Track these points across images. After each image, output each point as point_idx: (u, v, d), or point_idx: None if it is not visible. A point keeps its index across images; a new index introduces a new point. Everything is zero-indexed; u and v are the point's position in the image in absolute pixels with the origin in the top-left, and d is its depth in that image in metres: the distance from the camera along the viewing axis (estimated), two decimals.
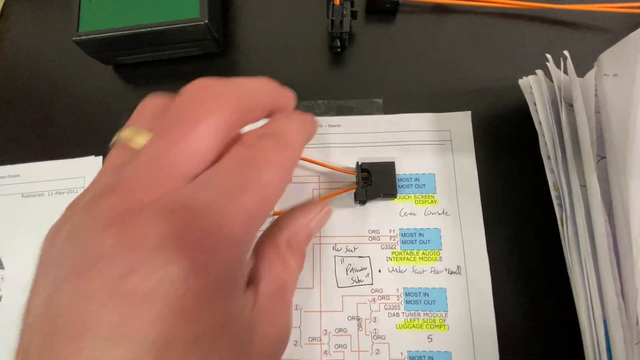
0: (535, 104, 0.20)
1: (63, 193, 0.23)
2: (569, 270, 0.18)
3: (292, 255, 0.13)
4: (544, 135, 0.19)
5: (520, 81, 0.21)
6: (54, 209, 0.23)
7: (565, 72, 0.19)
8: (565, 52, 0.19)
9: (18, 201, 0.23)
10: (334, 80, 0.25)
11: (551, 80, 0.20)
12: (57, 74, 0.26)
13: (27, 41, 0.27)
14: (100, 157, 0.23)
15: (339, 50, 0.24)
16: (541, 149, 0.20)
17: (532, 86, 0.20)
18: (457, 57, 0.24)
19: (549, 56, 0.20)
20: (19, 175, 0.23)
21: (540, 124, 0.19)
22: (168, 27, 0.21)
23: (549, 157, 0.19)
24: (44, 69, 0.26)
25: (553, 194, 0.19)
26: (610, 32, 0.24)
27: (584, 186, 0.19)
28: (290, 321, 0.12)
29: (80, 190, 0.23)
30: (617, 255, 0.17)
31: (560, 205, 0.19)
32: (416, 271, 0.21)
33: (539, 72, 0.20)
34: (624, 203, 0.17)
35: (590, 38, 0.24)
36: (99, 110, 0.25)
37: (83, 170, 0.23)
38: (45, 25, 0.27)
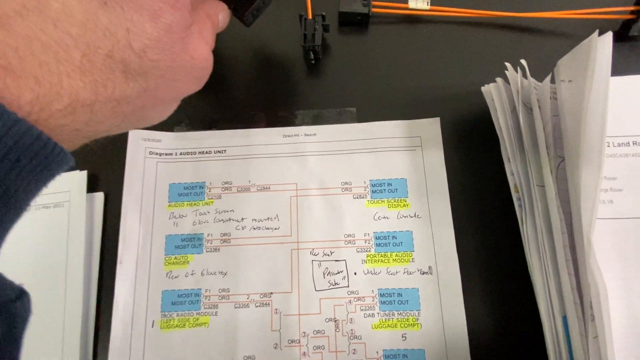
0: (496, 110, 0.21)
1: (49, 207, 0.24)
2: (529, 268, 0.19)
3: (209, 18, 0.17)
4: (504, 139, 0.20)
5: (482, 88, 0.22)
6: (41, 223, 0.24)
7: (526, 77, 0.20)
8: (522, 61, 0.20)
9: None
10: (309, 90, 0.26)
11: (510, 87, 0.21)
12: None
13: None
14: (85, 172, 0.24)
15: (313, 62, 0.25)
16: (502, 153, 0.21)
17: (492, 93, 0.21)
18: (426, 66, 0.25)
19: (507, 64, 0.21)
20: None
21: (501, 129, 0.20)
22: None
23: (509, 160, 0.20)
24: None
25: (514, 195, 0.20)
26: (572, 37, 0.26)
27: (542, 186, 0.20)
28: (210, 56, 0.16)
29: (66, 204, 0.24)
30: (574, 251, 0.18)
31: (520, 205, 0.20)
32: (390, 272, 0.22)
33: (499, 79, 0.21)
34: (577, 201, 0.18)
35: (552, 44, 0.26)
36: None
37: (69, 184, 0.24)
38: None
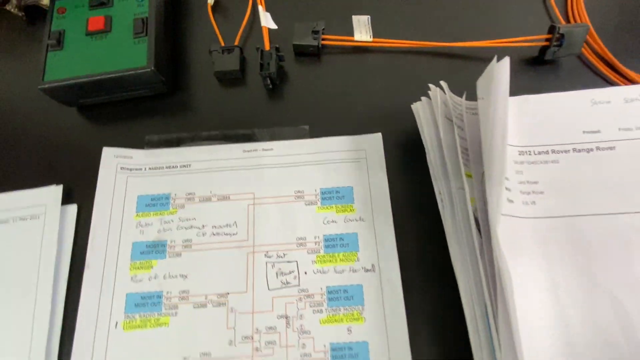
0: (422, 123, 0.24)
1: (26, 219, 0.26)
2: (453, 263, 0.21)
3: None
4: (428, 149, 0.23)
5: (412, 106, 0.25)
6: (17, 233, 0.26)
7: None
8: (442, 82, 0.24)
9: None
10: (267, 111, 0.29)
11: (444, 102, 0.24)
12: (24, 116, 0.29)
13: (3, 85, 0.30)
14: (61, 186, 0.26)
15: (270, 87, 0.29)
16: (428, 162, 0.24)
17: (419, 109, 0.24)
18: (370, 89, 0.29)
19: (430, 85, 0.24)
20: None
21: (426, 140, 0.23)
22: (121, 74, 0.26)
23: (433, 167, 0.23)
24: (10, 112, 0.29)
25: (438, 197, 0.23)
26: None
27: (462, 189, 0.23)
28: None
29: (42, 216, 0.26)
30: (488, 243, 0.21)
31: (443, 207, 0.22)
32: (337, 271, 0.24)
33: (424, 98, 0.24)
34: (486, 201, 0.20)
35: (480, 68, 0.29)
36: (65, 145, 0.28)
37: (46, 197, 0.26)
38: (11, 76, 0.31)
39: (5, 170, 0.27)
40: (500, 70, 0.21)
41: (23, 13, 0.32)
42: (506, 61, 0.22)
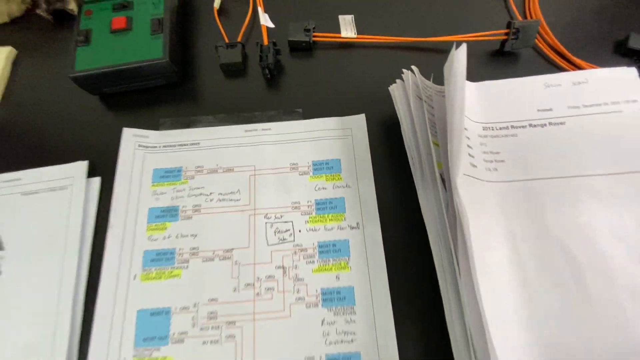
0: (397, 101, 0.28)
1: (56, 190, 0.29)
2: (423, 216, 0.25)
3: None
4: (402, 123, 0.27)
5: (389, 88, 0.29)
6: (48, 202, 0.29)
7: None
8: (413, 67, 0.28)
9: (18, 198, 0.29)
10: (267, 98, 0.33)
11: (415, 84, 0.28)
12: (53, 104, 0.33)
13: (33, 81, 0.35)
14: (87, 162, 0.30)
15: (268, 76, 0.33)
16: (403, 134, 0.28)
17: (395, 90, 0.28)
18: (355, 77, 0.33)
19: (403, 69, 0.28)
20: (20, 179, 0.30)
21: (400, 115, 0.27)
22: (140, 64, 0.30)
23: (406, 137, 0.27)
24: (41, 101, 0.34)
25: (410, 163, 0.27)
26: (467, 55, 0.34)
27: (431, 155, 0.27)
28: None
29: (70, 187, 0.30)
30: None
31: (414, 171, 0.26)
32: (327, 229, 0.28)
33: (399, 81, 0.29)
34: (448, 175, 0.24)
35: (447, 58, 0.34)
36: (88, 127, 0.32)
37: (73, 171, 0.30)
38: (42, 70, 0.35)
39: (38, 149, 0.31)
40: (459, 54, 0.26)
41: (51, 16, 0.36)
42: (463, 47, 0.26)
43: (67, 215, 0.29)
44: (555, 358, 0.23)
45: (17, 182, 0.30)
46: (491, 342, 0.20)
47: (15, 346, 0.25)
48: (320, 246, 0.27)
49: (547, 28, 0.34)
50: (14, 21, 0.37)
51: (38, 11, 0.36)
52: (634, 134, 0.29)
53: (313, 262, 0.27)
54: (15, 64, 0.35)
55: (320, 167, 0.30)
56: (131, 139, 0.31)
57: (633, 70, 0.30)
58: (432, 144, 0.26)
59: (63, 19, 0.37)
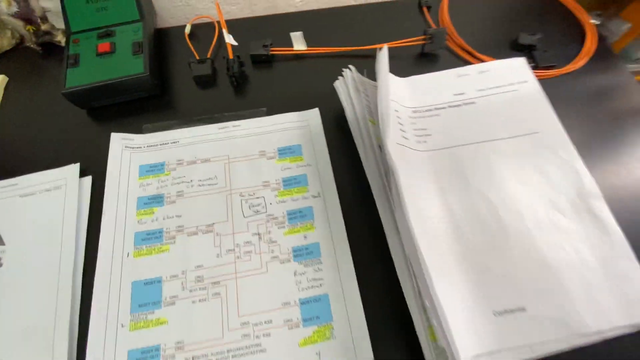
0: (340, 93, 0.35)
1: (50, 190, 0.33)
2: (368, 178, 0.31)
3: None
4: (346, 109, 0.34)
5: (334, 84, 0.36)
6: (44, 202, 0.33)
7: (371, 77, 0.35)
8: (350, 66, 0.35)
9: (17, 200, 0.33)
10: (234, 102, 0.39)
11: (353, 78, 0.35)
12: (47, 119, 0.38)
13: (25, 102, 0.39)
14: (78, 164, 0.34)
15: (235, 84, 0.39)
16: (347, 118, 0.34)
17: (338, 85, 0.35)
18: (308, 81, 0.40)
19: (344, 69, 0.36)
20: (17, 184, 0.33)
21: (343, 103, 0.34)
22: (125, 79, 0.35)
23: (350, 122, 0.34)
24: (35, 117, 0.38)
25: (355, 140, 0.33)
26: (397, 57, 0.42)
27: (368, 131, 0.33)
28: None
29: (63, 187, 0.33)
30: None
31: (358, 143, 0.33)
32: (293, 200, 0.33)
33: (341, 77, 0.36)
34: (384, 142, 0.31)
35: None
36: (78, 137, 0.37)
37: (66, 173, 0.34)
38: (33, 92, 0.39)
39: (32, 159, 0.35)
40: (382, 54, 0.33)
41: (40, 48, 0.41)
42: (385, 49, 0.33)
43: (63, 210, 0.32)
44: (480, 275, 0.29)
45: (15, 187, 0.33)
46: (426, 268, 0.25)
47: (17, 329, 0.28)
48: (288, 214, 0.32)
49: (455, 33, 0.43)
50: (5, 54, 0.42)
51: (28, 44, 0.41)
52: (526, 105, 0.37)
53: (283, 226, 0.32)
54: (7, 88, 0.40)
55: (285, 152, 0.36)
56: (119, 141, 0.35)
57: (522, 59, 0.39)
58: (369, 122, 0.33)
59: (51, 50, 0.42)
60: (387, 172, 0.31)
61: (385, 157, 0.30)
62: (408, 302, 0.28)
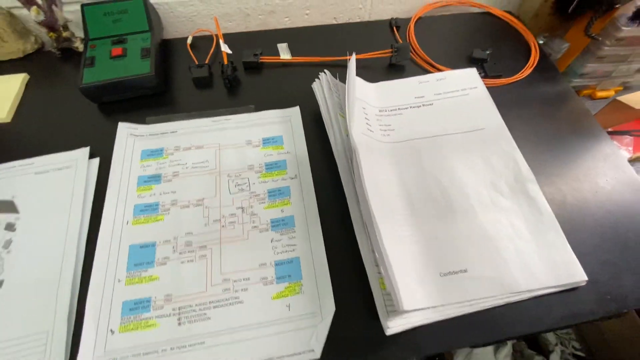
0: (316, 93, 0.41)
1: (62, 169, 0.38)
2: (336, 161, 0.37)
3: None
4: (321, 106, 0.40)
5: (312, 85, 0.43)
6: (56, 179, 0.38)
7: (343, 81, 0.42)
8: (326, 70, 0.42)
9: (32, 177, 0.37)
10: (227, 101, 0.45)
11: (327, 81, 0.42)
12: (62, 112, 0.43)
13: (44, 98, 0.44)
14: (88, 147, 0.39)
15: (229, 86, 0.45)
16: (322, 113, 0.40)
17: (315, 86, 0.41)
18: (292, 85, 0.46)
19: (320, 73, 0.42)
20: (33, 163, 0.38)
21: (318, 102, 0.40)
22: (133, 77, 0.41)
23: (324, 114, 0.40)
24: (53, 110, 0.43)
25: (328, 131, 0.39)
26: (369, 67, 0.49)
27: (339, 123, 0.39)
28: None
29: (73, 166, 0.38)
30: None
31: (329, 132, 0.39)
32: (274, 180, 0.38)
33: (317, 80, 0.42)
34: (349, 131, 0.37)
35: (359, 71, 0.48)
36: (89, 127, 0.42)
37: (77, 155, 0.39)
38: (52, 90, 0.45)
39: (48, 144, 0.40)
40: (351, 61, 0.40)
41: (60, 52, 0.48)
42: (353, 56, 0.40)
43: (72, 186, 0.37)
44: (429, 242, 0.34)
45: (31, 166, 0.38)
46: (377, 224, 0.30)
47: (26, 282, 0.32)
48: (269, 192, 0.37)
49: (420, 49, 0.50)
50: (27, 56, 0.48)
51: (49, 48, 0.47)
52: (475, 106, 0.43)
53: (264, 202, 0.37)
54: (28, 85, 0.46)
55: (268, 141, 0.41)
56: (125, 130, 0.41)
57: (474, 69, 0.46)
58: (339, 116, 0.39)
59: (69, 55, 0.48)
60: (351, 154, 0.36)
61: (350, 141, 0.36)
62: (364, 259, 0.32)
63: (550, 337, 0.79)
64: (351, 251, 0.34)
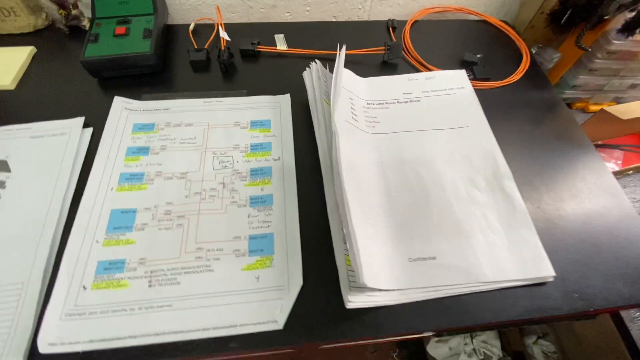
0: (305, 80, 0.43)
1: (57, 135, 0.40)
2: (318, 146, 0.38)
3: None
4: (309, 93, 0.41)
5: (303, 74, 0.44)
6: (50, 144, 0.40)
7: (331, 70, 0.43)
8: (317, 60, 0.43)
9: (27, 140, 0.39)
10: (222, 85, 0.47)
11: (317, 70, 0.43)
12: (64, 84, 0.45)
13: (48, 69, 0.47)
14: (83, 117, 0.41)
15: (224, 70, 0.47)
16: (309, 100, 0.41)
17: (306, 75, 0.43)
18: (285, 73, 0.48)
19: (311, 62, 0.43)
20: (30, 128, 0.40)
21: (306, 89, 0.41)
22: (134, 54, 0.43)
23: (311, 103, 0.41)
24: (55, 81, 0.45)
25: (313, 118, 0.40)
26: (361, 63, 0.50)
27: (323, 110, 0.40)
28: None
29: (67, 133, 0.40)
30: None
31: (315, 120, 0.40)
32: (257, 161, 0.39)
33: (308, 69, 0.43)
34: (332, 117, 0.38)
35: (351, 66, 0.50)
36: (87, 99, 0.44)
37: (71, 124, 0.40)
38: (57, 64, 0.47)
39: (47, 112, 0.42)
40: (341, 52, 0.41)
41: (68, 29, 0.50)
42: (343, 48, 0.41)
43: (64, 152, 0.39)
44: (401, 228, 0.34)
45: (28, 130, 0.40)
46: (347, 202, 0.31)
47: (10, 234, 0.33)
48: (251, 171, 0.38)
49: (413, 49, 0.51)
50: (37, 32, 0.50)
51: (58, 25, 0.50)
52: (461, 105, 0.44)
53: (245, 180, 0.38)
54: (34, 58, 0.48)
55: (256, 124, 0.42)
56: (120, 103, 0.42)
57: (463, 71, 0.47)
58: (325, 103, 0.40)
59: (76, 33, 0.50)
60: (331, 137, 0.37)
61: (332, 126, 0.37)
62: (333, 238, 0.33)
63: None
64: (323, 230, 0.34)
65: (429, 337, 1.06)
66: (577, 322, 0.66)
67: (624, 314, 0.44)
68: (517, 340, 0.99)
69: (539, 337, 0.96)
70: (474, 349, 1.00)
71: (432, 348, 1.01)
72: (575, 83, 0.57)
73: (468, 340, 1.00)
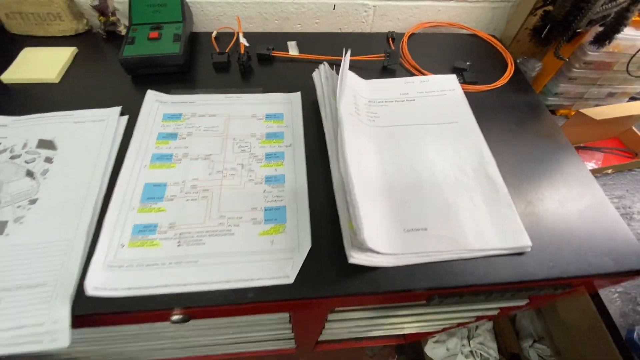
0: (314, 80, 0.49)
1: (96, 122, 0.45)
2: (326, 136, 0.44)
3: None
4: (318, 90, 0.47)
5: (312, 74, 0.50)
6: (91, 129, 0.46)
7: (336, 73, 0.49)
8: (325, 63, 0.49)
9: (70, 125, 0.45)
10: (241, 83, 0.53)
11: (325, 71, 0.49)
12: (102, 81, 0.51)
13: (88, 68, 0.53)
14: (120, 107, 0.47)
15: (243, 71, 0.53)
16: (318, 97, 0.47)
17: (314, 75, 0.49)
18: (297, 75, 0.54)
19: (320, 65, 0.50)
20: (73, 115, 0.46)
21: (315, 88, 0.47)
22: (165, 54, 0.49)
23: (320, 97, 0.47)
24: (95, 79, 0.51)
25: (322, 112, 0.46)
26: (364, 69, 0.56)
27: (331, 105, 0.46)
28: None
29: (106, 120, 0.46)
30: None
31: (323, 113, 0.45)
32: (272, 146, 0.45)
33: (317, 70, 0.49)
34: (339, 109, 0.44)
35: (356, 69, 0.56)
36: (123, 93, 0.50)
37: (109, 112, 0.46)
38: (97, 65, 0.54)
39: (88, 103, 0.48)
40: (346, 56, 0.47)
41: (105, 34, 0.57)
42: (348, 52, 0.48)
43: (103, 135, 0.44)
44: (398, 205, 0.39)
45: (71, 116, 0.46)
46: (351, 178, 0.36)
47: (58, 200, 0.38)
48: (266, 155, 0.44)
49: (410, 57, 0.58)
50: (78, 35, 0.57)
51: (96, 30, 0.57)
52: (451, 104, 0.50)
53: (261, 162, 0.43)
54: (76, 57, 0.54)
55: (270, 116, 0.48)
56: (152, 96, 0.48)
57: (453, 75, 0.54)
58: (331, 98, 0.46)
59: (113, 38, 0.57)
60: (336, 127, 0.43)
61: (337, 115, 0.43)
62: (338, 209, 0.38)
63: None
64: (328, 204, 0.39)
65: (427, 338, 1.08)
66: (561, 304, 0.69)
67: (602, 294, 0.48)
68: (513, 343, 1.02)
69: (535, 341, 0.99)
70: (471, 351, 1.02)
71: (430, 349, 1.04)
72: (557, 91, 0.63)
73: (465, 341, 1.02)
